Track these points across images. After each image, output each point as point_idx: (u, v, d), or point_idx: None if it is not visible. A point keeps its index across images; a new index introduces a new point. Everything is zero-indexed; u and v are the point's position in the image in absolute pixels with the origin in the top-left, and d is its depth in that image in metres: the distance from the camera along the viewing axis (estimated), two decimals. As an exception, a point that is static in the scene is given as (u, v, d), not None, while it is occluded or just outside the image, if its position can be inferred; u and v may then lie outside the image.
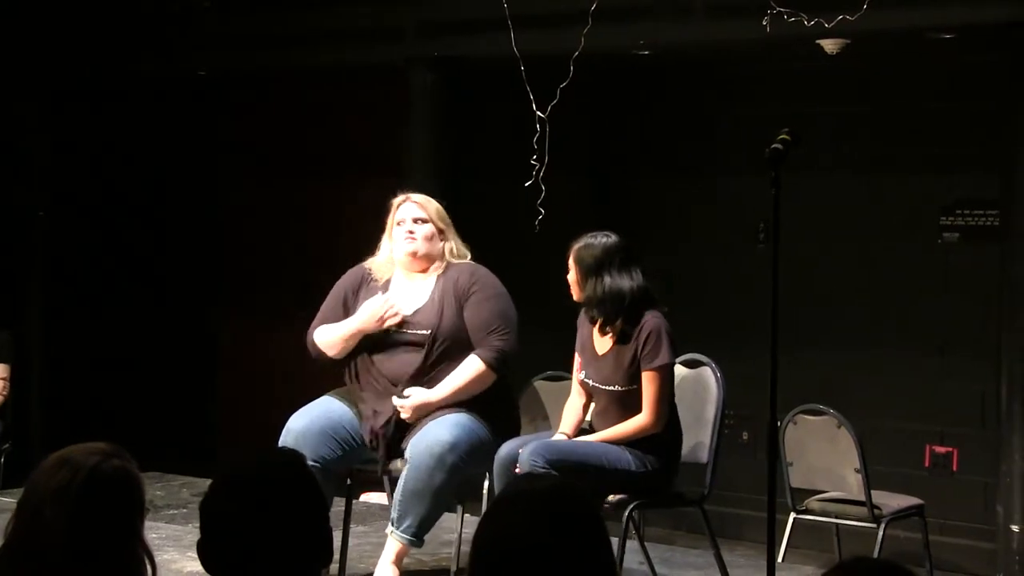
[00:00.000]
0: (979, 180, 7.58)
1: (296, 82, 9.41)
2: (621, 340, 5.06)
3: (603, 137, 8.82)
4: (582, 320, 5.23)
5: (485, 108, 8.21)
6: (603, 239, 5.10)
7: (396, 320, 5.28)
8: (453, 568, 5.34)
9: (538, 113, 6.90)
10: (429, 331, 5.23)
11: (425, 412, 5.19)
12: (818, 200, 7.91)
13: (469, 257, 5.41)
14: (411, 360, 5.24)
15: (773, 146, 4.49)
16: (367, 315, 5.31)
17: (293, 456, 2.62)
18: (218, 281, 10.01)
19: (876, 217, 8.01)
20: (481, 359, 5.23)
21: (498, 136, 8.00)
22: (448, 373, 5.23)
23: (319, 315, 5.47)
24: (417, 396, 5.20)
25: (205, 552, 2.50)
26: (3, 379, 8.11)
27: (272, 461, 2.59)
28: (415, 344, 5.26)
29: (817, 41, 7.01)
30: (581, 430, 5.23)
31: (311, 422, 5.25)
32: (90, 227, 9.35)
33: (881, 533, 6.43)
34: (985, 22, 6.61)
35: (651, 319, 5.03)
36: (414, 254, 5.31)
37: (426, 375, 5.23)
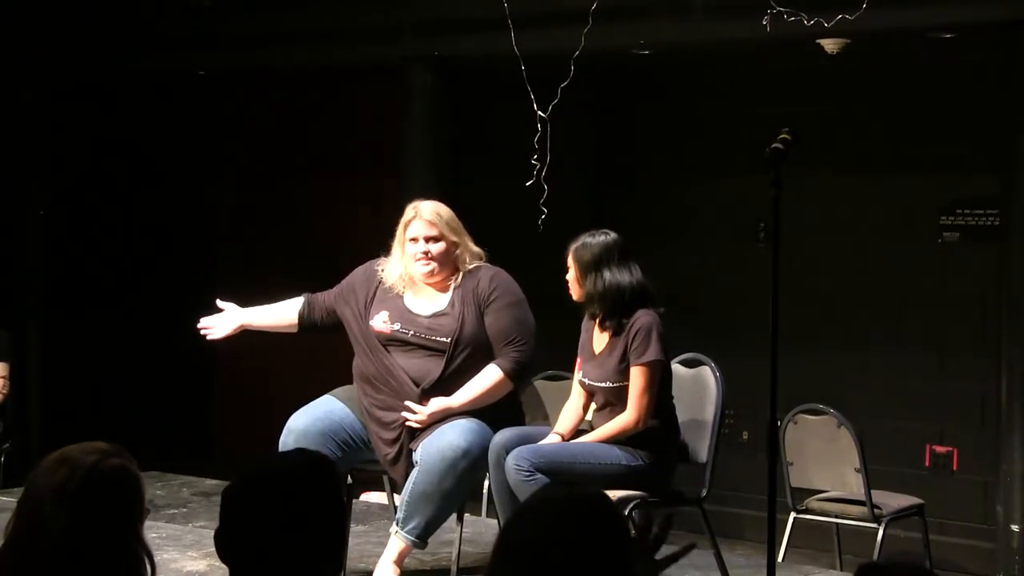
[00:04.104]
0: (979, 180, 7.58)
1: (295, 81, 9.41)
2: (616, 337, 5.08)
3: (603, 137, 8.82)
4: (585, 322, 5.26)
5: (485, 108, 8.21)
6: (601, 237, 5.14)
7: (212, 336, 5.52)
8: (453, 568, 5.34)
9: (539, 113, 6.90)
10: (450, 338, 5.23)
11: (440, 417, 5.19)
12: (818, 200, 7.91)
13: (484, 258, 5.39)
14: (432, 366, 5.23)
15: (773, 146, 4.48)
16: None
17: (322, 460, 2.62)
18: (217, 280, 10.00)
19: (876, 217, 8.01)
20: (501, 369, 5.23)
21: (498, 136, 8.00)
22: (467, 378, 5.22)
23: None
24: (435, 403, 5.19)
25: (221, 541, 2.50)
26: (3, 377, 8.11)
27: (301, 462, 2.58)
28: (434, 349, 5.25)
29: (817, 41, 7.01)
30: (580, 431, 5.24)
31: (312, 422, 5.24)
32: (90, 226, 9.36)
33: (881, 533, 6.42)
34: (985, 22, 6.61)
35: (643, 316, 5.05)
36: (430, 274, 5.31)
37: (447, 381, 5.23)
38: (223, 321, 5.53)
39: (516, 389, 5.42)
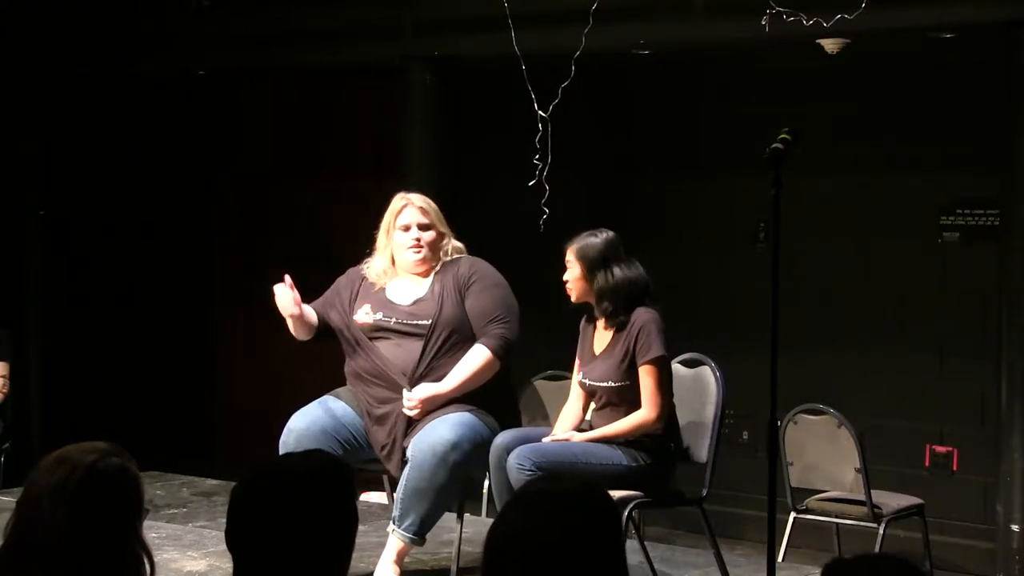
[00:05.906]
0: (979, 180, 7.57)
1: (296, 81, 9.40)
2: (618, 335, 5.09)
3: (604, 136, 8.82)
4: (583, 324, 5.27)
5: (485, 108, 8.20)
6: (603, 234, 5.17)
7: (287, 305, 5.28)
8: (453, 568, 5.34)
9: (540, 112, 6.90)
10: (429, 321, 5.26)
11: (434, 405, 5.20)
12: (818, 200, 7.91)
13: (464, 252, 5.46)
14: (414, 349, 5.27)
15: (773, 146, 4.49)
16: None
17: (336, 462, 2.62)
18: (217, 280, 10.01)
19: (876, 217, 8.01)
20: (486, 347, 5.25)
21: (498, 136, 8.00)
22: (452, 364, 5.25)
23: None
24: (425, 390, 5.21)
25: (232, 538, 2.50)
26: (3, 377, 8.11)
27: (315, 464, 2.57)
28: (416, 335, 5.28)
29: (817, 41, 7.01)
30: (580, 431, 5.24)
31: (313, 422, 5.26)
32: (89, 226, 9.36)
33: (881, 533, 6.43)
34: (985, 22, 6.61)
35: (642, 314, 5.08)
36: (420, 262, 5.35)
37: (429, 365, 5.25)
38: (293, 299, 5.38)
39: (513, 390, 5.43)
